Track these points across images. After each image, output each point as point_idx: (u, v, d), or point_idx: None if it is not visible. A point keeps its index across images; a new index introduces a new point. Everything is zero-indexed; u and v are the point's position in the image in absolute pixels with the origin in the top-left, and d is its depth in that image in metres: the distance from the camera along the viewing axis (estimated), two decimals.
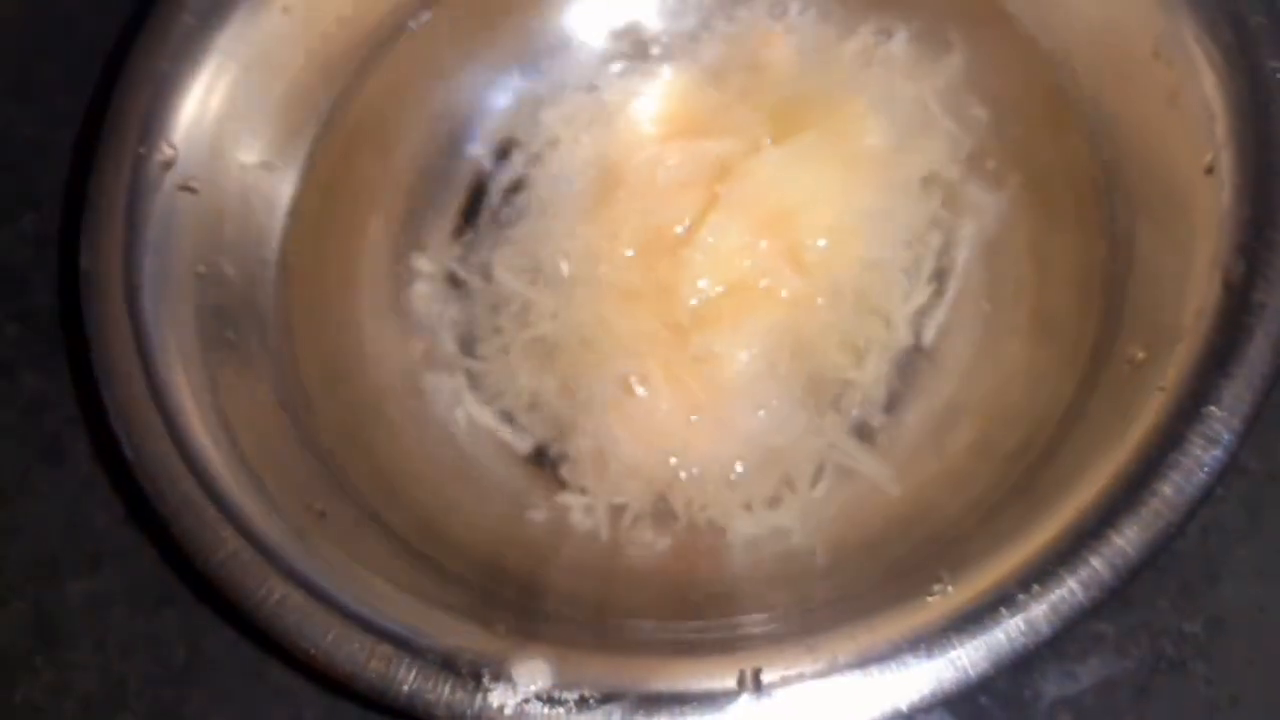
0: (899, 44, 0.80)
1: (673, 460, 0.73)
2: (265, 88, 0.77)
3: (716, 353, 0.72)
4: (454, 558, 0.69)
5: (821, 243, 0.74)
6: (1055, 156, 0.76)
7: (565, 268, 0.77)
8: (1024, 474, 0.67)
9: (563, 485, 0.76)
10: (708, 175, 0.75)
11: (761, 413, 0.73)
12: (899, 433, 0.75)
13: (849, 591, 0.66)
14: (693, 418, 0.73)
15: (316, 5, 0.78)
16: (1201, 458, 0.56)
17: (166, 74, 0.73)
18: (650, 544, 0.72)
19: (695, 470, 0.73)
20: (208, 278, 0.72)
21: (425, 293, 0.81)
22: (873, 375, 0.74)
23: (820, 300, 0.74)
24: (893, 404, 0.76)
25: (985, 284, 0.77)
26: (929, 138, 0.77)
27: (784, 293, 0.73)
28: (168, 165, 0.71)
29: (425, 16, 0.82)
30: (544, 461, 0.77)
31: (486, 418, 0.77)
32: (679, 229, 0.75)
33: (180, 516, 0.62)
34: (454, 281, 0.82)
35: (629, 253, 0.76)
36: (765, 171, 0.74)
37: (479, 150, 0.84)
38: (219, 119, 0.75)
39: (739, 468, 0.74)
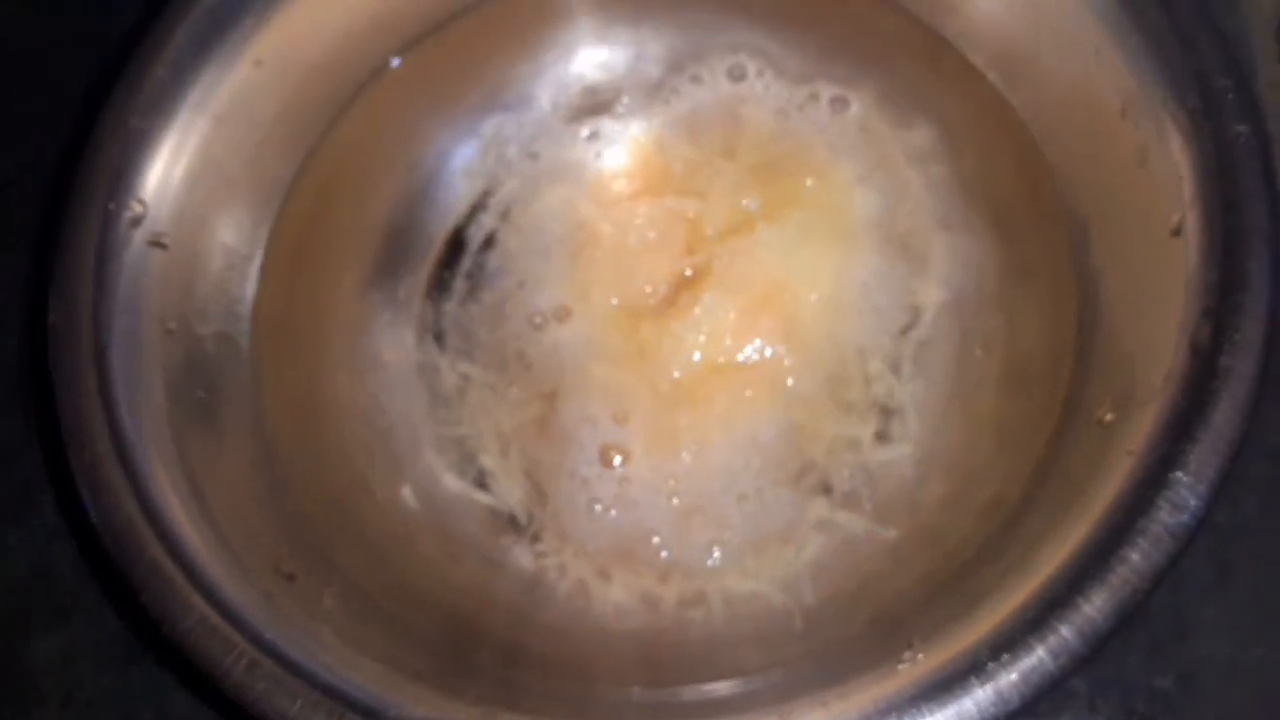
0: (867, 103, 0.81)
1: (654, 539, 0.73)
2: (238, 141, 0.77)
3: (699, 433, 0.72)
4: (426, 620, 0.68)
5: (813, 320, 0.74)
6: (1027, 213, 0.76)
7: (540, 330, 0.77)
8: (996, 531, 0.67)
9: (538, 549, 0.75)
10: (684, 236, 0.75)
11: (746, 503, 0.73)
12: (876, 488, 0.75)
13: (822, 652, 0.66)
14: (674, 502, 0.72)
15: (288, 57, 0.78)
16: (1169, 524, 0.56)
17: (138, 129, 0.73)
18: (627, 609, 0.72)
19: (674, 551, 0.72)
20: (178, 335, 0.72)
21: (398, 351, 0.80)
22: (862, 454, 0.74)
23: (808, 379, 0.74)
24: (872, 463, 0.76)
25: (956, 335, 0.78)
26: (906, 201, 0.77)
27: (771, 371, 0.73)
28: (137, 221, 0.71)
29: (396, 64, 0.83)
30: (519, 523, 0.76)
31: (460, 480, 0.76)
32: (650, 290, 0.75)
33: (146, 583, 0.61)
34: (428, 341, 0.82)
35: (605, 315, 0.75)
36: (760, 251, 0.75)
37: (451, 203, 0.84)
38: (190, 174, 0.74)
39: (717, 553, 0.73)
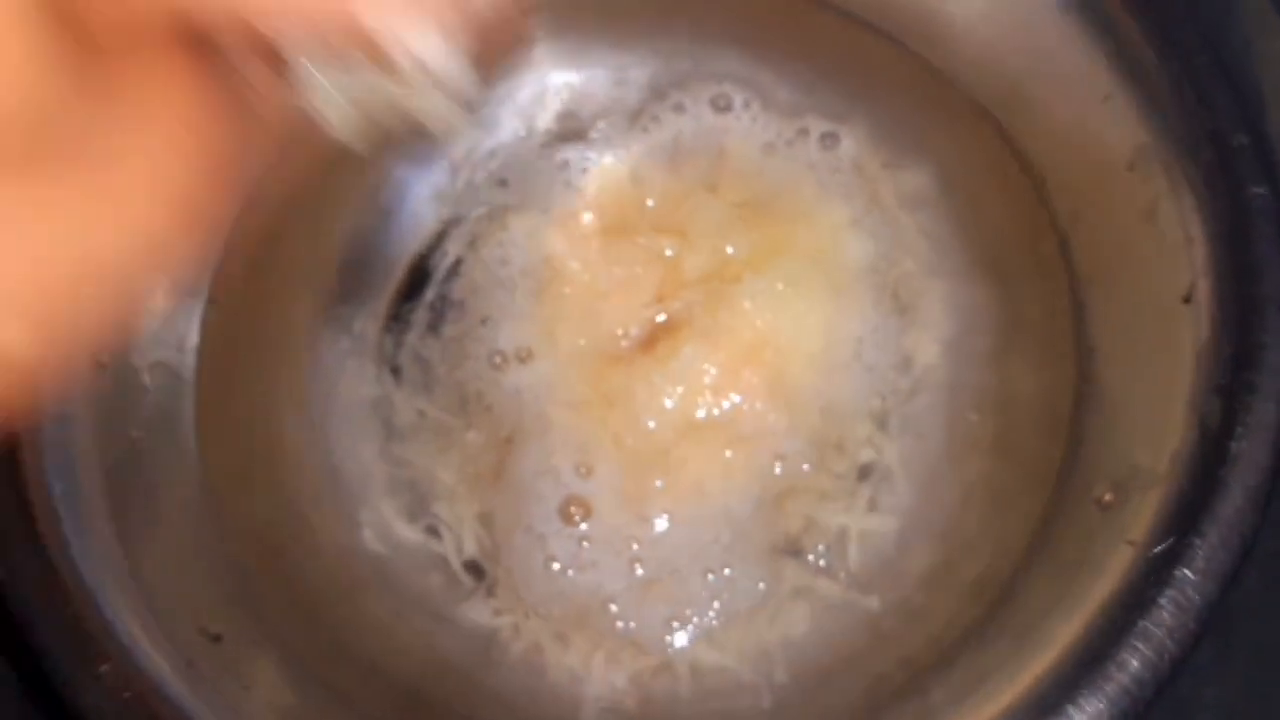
0: (859, 138, 0.76)
1: (612, 607, 0.68)
2: None
3: (669, 496, 0.67)
4: (365, 687, 0.63)
5: (800, 378, 0.70)
6: (1024, 266, 0.72)
7: (499, 371, 0.72)
8: (983, 614, 0.62)
9: (493, 604, 0.70)
10: (660, 277, 0.71)
11: (711, 577, 0.68)
12: (857, 559, 0.70)
13: None
14: (637, 570, 0.68)
15: None
16: (1173, 627, 0.51)
17: None
18: (582, 677, 0.67)
19: (631, 624, 0.67)
20: (110, 369, 0.66)
21: (352, 385, 0.75)
22: (846, 522, 0.69)
23: (792, 442, 0.69)
24: (854, 533, 0.71)
25: (948, 398, 0.72)
26: (900, 248, 0.73)
27: (752, 431, 0.69)
28: None
29: None
30: (471, 579, 0.71)
31: (411, 526, 0.71)
32: (620, 333, 0.70)
33: (50, 648, 0.56)
34: (385, 374, 0.77)
35: (571, 358, 0.71)
36: (744, 299, 0.70)
37: (415, 230, 0.79)
38: None
39: (678, 630, 0.68)
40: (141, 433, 0.66)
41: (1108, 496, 0.60)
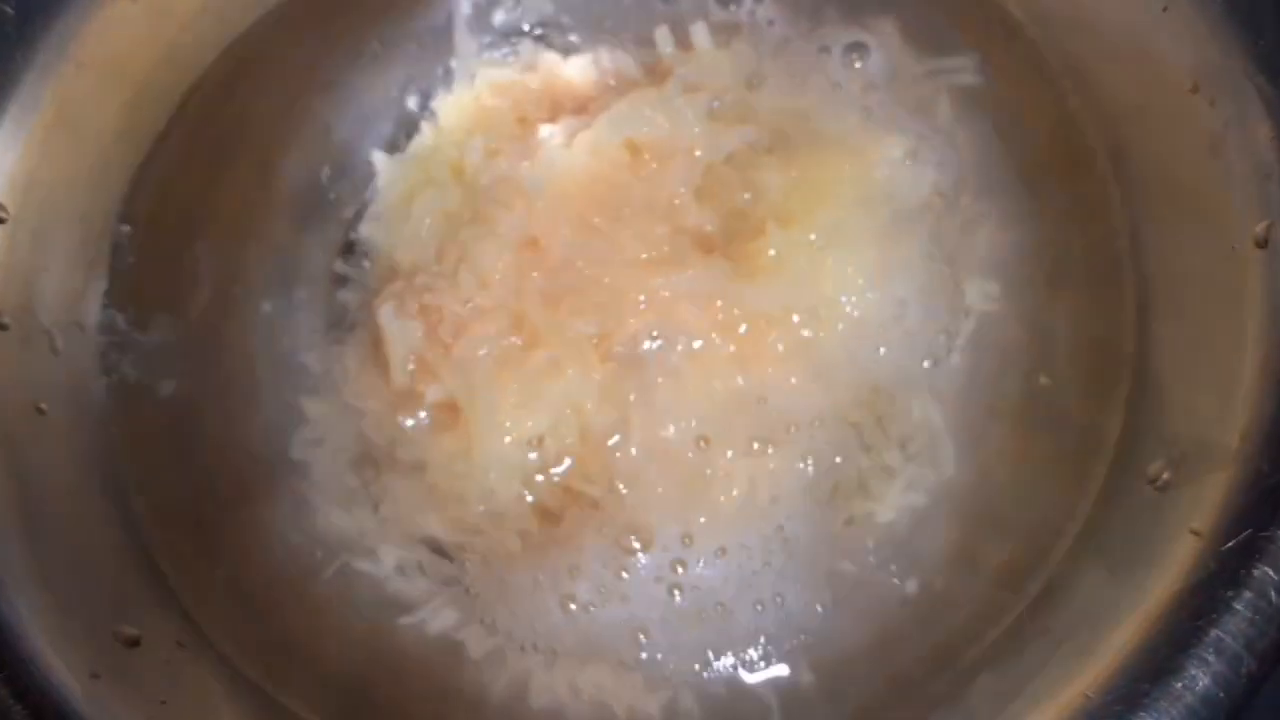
0: (886, 57, 0.66)
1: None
2: (103, 89, 0.63)
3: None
4: (300, 693, 0.56)
5: (837, 350, 0.62)
6: (1073, 202, 0.62)
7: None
8: (1020, 615, 0.54)
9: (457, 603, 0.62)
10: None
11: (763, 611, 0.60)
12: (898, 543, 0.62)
13: None
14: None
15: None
16: (1251, 637, 0.43)
17: None
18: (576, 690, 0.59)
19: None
20: (13, 331, 0.58)
21: (313, 350, 0.67)
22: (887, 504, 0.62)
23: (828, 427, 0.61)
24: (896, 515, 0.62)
25: (992, 355, 0.64)
26: (942, 174, 0.64)
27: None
28: None
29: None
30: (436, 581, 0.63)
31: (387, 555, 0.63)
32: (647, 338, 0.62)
33: None
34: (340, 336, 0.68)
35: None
36: (806, 270, 0.62)
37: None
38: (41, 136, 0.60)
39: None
40: (50, 404, 0.58)
41: (1166, 474, 0.51)
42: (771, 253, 0.63)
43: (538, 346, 0.63)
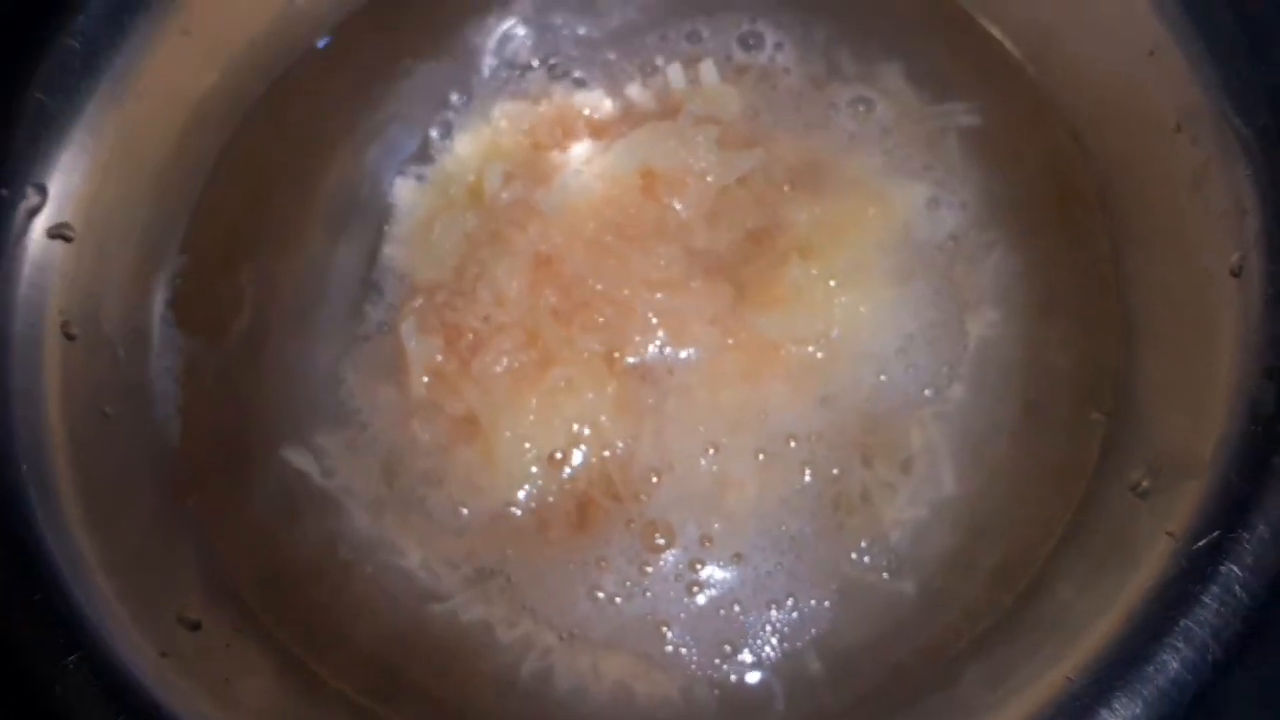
0: (893, 105, 0.71)
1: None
2: (160, 117, 0.68)
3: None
4: (340, 669, 0.60)
5: (873, 379, 0.66)
6: (1064, 233, 0.67)
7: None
8: (1012, 605, 0.59)
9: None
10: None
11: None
12: (900, 550, 0.65)
13: None
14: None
15: (220, 26, 0.69)
16: (1218, 627, 0.47)
17: (44, 108, 0.63)
18: (599, 674, 0.63)
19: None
20: (81, 340, 0.63)
21: (345, 363, 0.70)
22: (890, 516, 0.65)
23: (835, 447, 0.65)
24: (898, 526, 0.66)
25: (990, 379, 0.67)
26: (949, 217, 0.68)
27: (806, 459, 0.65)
28: (34, 211, 0.62)
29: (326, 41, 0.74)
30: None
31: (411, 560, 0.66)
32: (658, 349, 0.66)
33: (16, 640, 0.52)
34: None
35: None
36: (820, 304, 0.66)
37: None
38: (105, 159, 0.65)
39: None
40: (114, 408, 0.63)
41: (1145, 482, 0.56)
42: (791, 283, 0.67)
43: (553, 363, 0.66)
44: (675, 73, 0.74)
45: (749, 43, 0.74)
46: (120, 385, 0.64)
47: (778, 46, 0.74)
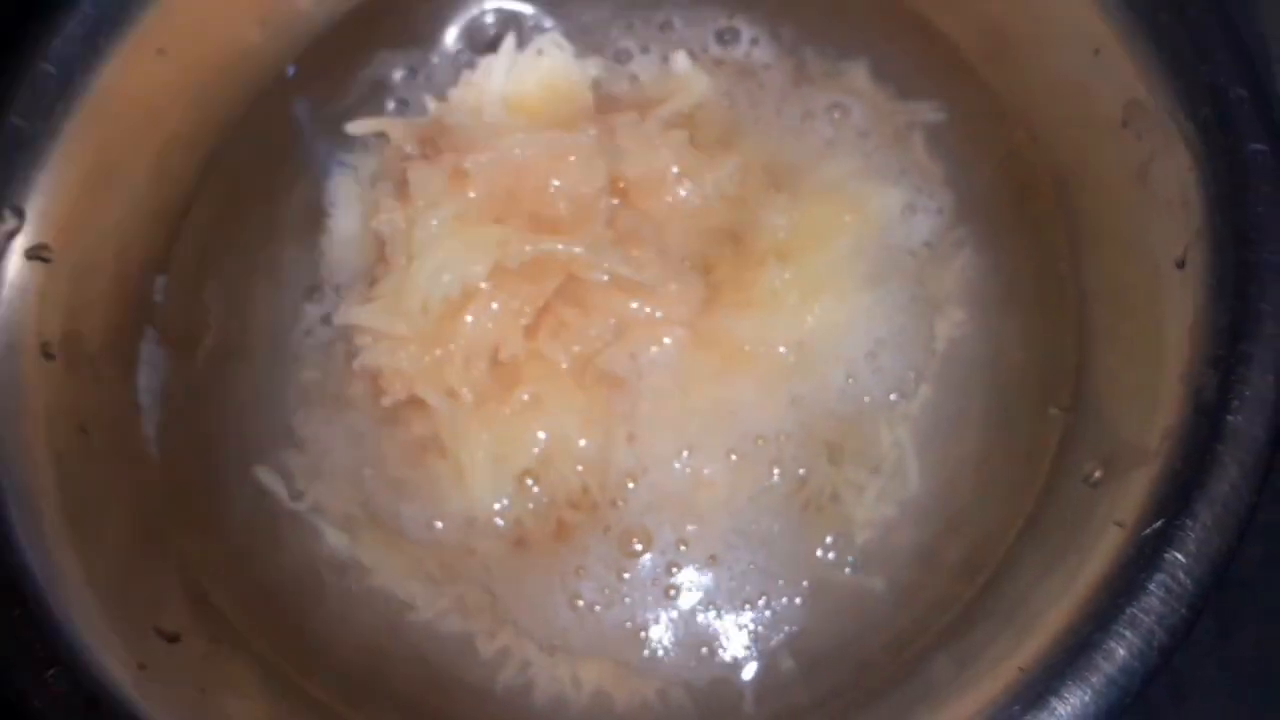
0: (867, 106, 0.72)
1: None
2: (136, 137, 0.69)
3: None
4: (320, 680, 0.61)
5: (841, 381, 0.67)
6: (1020, 228, 0.68)
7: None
8: (970, 602, 0.60)
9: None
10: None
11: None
12: (867, 547, 0.66)
13: None
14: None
15: (195, 45, 0.70)
16: (1162, 614, 0.49)
17: (20, 131, 0.65)
18: (579, 683, 0.64)
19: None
20: (60, 361, 0.64)
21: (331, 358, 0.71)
22: (859, 515, 0.66)
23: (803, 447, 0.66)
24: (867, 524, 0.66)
25: (954, 378, 0.68)
26: (915, 223, 0.69)
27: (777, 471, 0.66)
28: (13, 233, 0.63)
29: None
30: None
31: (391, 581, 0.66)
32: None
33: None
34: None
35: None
36: (796, 307, 0.66)
37: None
38: (82, 181, 0.66)
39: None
40: (93, 426, 0.64)
41: (1098, 474, 0.57)
42: (767, 286, 0.67)
43: (517, 383, 0.66)
44: (648, 63, 0.75)
45: (725, 38, 0.75)
46: (100, 404, 0.66)
47: (753, 41, 0.75)
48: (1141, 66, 0.60)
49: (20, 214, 0.63)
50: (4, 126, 0.64)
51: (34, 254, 0.64)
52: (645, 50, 0.76)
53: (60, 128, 0.65)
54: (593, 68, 0.74)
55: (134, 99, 0.68)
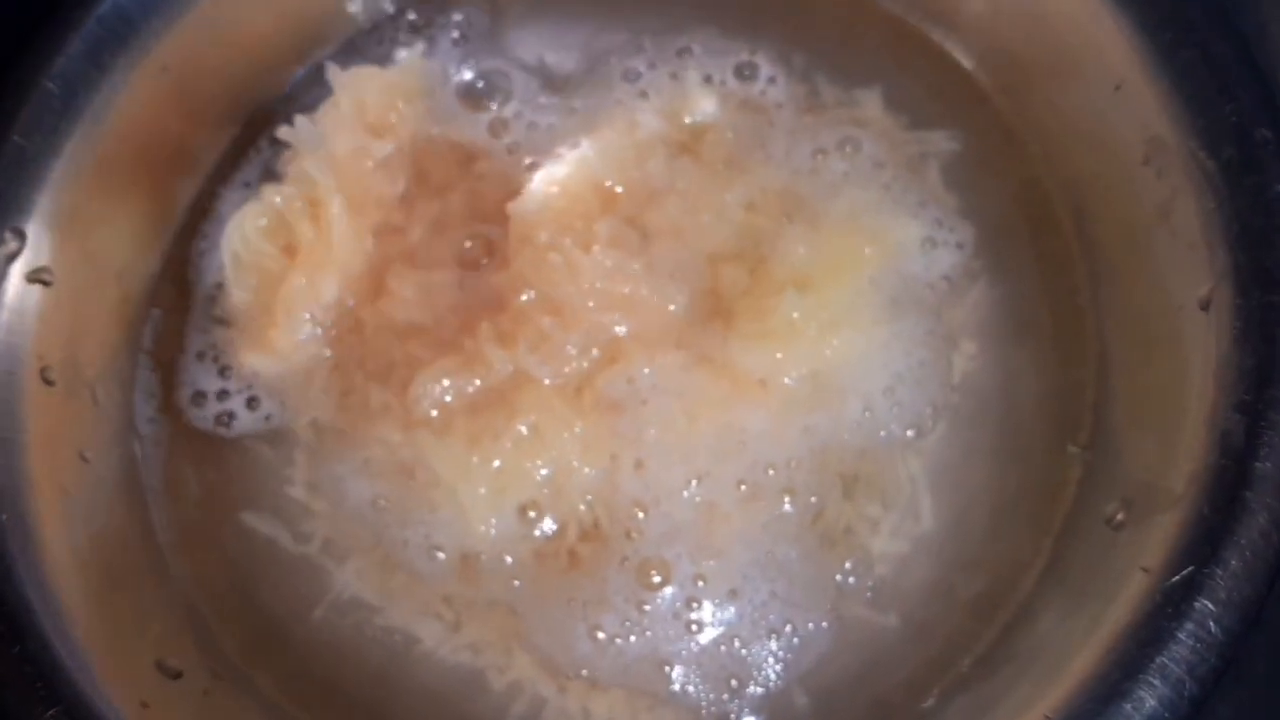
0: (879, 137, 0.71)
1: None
2: (138, 158, 0.68)
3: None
4: (324, 716, 0.60)
5: (857, 414, 0.65)
6: (1038, 264, 0.67)
7: None
8: (990, 643, 0.59)
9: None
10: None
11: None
12: (883, 582, 0.64)
13: None
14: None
15: (198, 62, 0.69)
16: (1193, 663, 0.48)
17: (23, 151, 0.63)
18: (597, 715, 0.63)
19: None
20: (60, 386, 0.62)
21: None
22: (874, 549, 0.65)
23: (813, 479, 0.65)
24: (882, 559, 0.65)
25: (970, 414, 0.67)
26: (935, 256, 0.68)
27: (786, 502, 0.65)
28: (13, 256, 0.62)
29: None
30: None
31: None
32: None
33: None
34: None
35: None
36: (813, 339, 0.65)
37: None
38: (83, 203, 0.65)
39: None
40: (94, 454, 0.63)
41: (1120, 515, 0.56)
42: (785, 316, 0.66)
43: (519, 399, 0.65)
44: (660, 86, 0.73)
45: (744, 73, 0.74)
46: (100, 430, 0.64)
47: (770, 80, 0.74)
48: (1163, 104, 0.59)
49: (21, 236, 0.62)
50: (6, 146, 0.63)
51: (35, 277, 0.62)
52: (653, 67, 0.75)
53: (62, 148, 0.64)
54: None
55: (137, 118, 0.67)
